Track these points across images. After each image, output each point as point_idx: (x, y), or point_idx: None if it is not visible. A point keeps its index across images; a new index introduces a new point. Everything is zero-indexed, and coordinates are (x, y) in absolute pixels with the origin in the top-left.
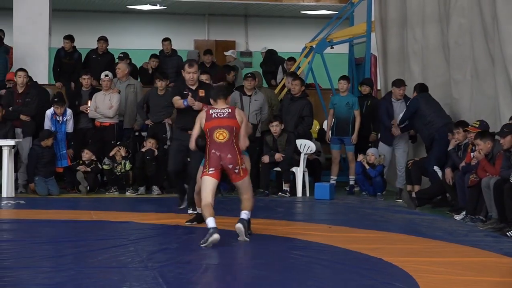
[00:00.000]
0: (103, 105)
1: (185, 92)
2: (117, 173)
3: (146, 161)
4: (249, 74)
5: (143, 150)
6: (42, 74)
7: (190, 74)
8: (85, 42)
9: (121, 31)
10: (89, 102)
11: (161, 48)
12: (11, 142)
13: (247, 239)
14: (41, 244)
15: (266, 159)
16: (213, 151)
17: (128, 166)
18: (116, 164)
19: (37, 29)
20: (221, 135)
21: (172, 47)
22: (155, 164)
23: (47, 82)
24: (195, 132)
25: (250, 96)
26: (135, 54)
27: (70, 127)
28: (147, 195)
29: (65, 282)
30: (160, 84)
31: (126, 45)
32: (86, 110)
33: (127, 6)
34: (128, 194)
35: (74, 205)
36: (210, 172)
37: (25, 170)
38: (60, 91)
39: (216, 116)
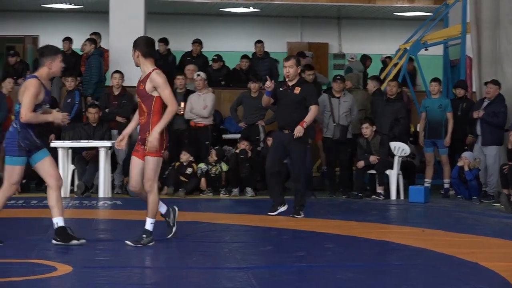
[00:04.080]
0: (198, 106)
1: (281, 89)
2: (212, 175)
3: (239, 163)
4: (338, 76)
5: (237, 151)
6: (136, 77)
7: (285, 69)
8: (180, 45)
9: (214, 34)
10: (182, 103)
11: (254, 51)
12: (108, 143)
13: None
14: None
15: (361, 164)
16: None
17: (225, 167)
18: (210, 166)
19: (132, 32)
20: None
21: (265, 50)
22: (248, 165)
23: None
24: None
25: (339, 98)
26: (228, 56)
27: None
28: (241, 196)
29: (160, 282)
30: (253, 86)
31: (220, 47)
32: (180, 112)
33: (221, 9)
34: (222, 195)
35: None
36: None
37: (121, 171)
38: None
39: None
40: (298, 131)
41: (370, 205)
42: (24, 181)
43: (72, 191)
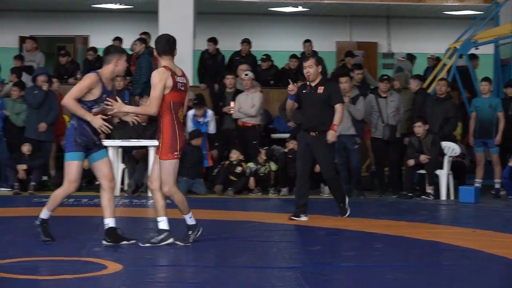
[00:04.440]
0: (246, 105)
1: (304, 91)
2: (261, 174)
3: (288, 162)
4: (385, 76)
5: (286, 150)
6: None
7: (305, 69)
8: (229, 44)
9: (263, 33)
10: (232, 103)
11: (303, 50)
12: (157, 142)
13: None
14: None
15: (411, 162)
16: (184, 134)
17: (274, 167)
18: (259, 166)
19: (181, 32)
20: (181, 114)
21: (314, 49)
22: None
23: (191, 84)
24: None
25: (385, 98)
26: (277, 56)
27: (212, 128)
28: (290, 196)
29: (209, 281)
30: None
31: (268, 47)
32: (229, 111)
33: (270, 9)
34: (270, 195)
35: (219, 205)
36: (176, 156)
37: None
38: (200, 93)
39: (181, 88)
40: (332, 135)
41: (419, 205)
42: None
43: (122, 189)
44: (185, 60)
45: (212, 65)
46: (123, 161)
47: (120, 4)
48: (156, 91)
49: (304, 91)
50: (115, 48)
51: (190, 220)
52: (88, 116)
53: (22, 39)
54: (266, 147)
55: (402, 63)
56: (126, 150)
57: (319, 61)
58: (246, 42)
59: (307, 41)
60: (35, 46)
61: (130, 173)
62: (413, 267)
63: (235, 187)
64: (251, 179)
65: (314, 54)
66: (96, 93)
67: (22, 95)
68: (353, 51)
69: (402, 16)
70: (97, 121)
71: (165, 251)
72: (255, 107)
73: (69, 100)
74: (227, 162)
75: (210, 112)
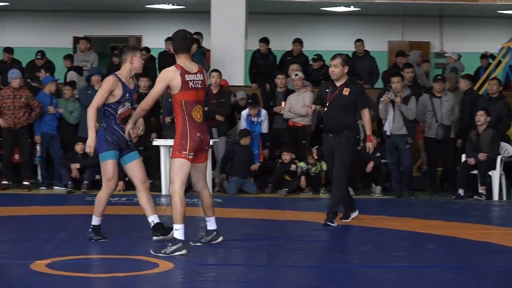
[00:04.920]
0: (297, 105)
1: (327, 90)
2: (312, 174)
3: None
4: (439, 77)
5: None
6: (238, 76)
7: (331, 68)
8: (280, 44)
9: (315, 33)
10: (283, 103)
11: (354, 50)
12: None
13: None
14: (235, 241)
15: (471, 161)
16: (198, 134)
17: (324, 166)
18: (310, 165)
19: (233, 32)
20: (198, 113)
21: (366, 48)
22: None
23: (243, 84)
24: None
25: (440, 97)
26: (329, 55)
27: (265, 128)
28: None
29: (259, 280)
30: None
31: (320, 47)
32: (280, 111)
33: (321, 8)
34: (321, 194)
35: (270, 204)
36: (190, 157)
37: (219, 169)
38: (254, 93)
39: (192, 86)
40: (371, 147)
41: (471, 205)
42: (126, 178)
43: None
44: (236, 60)
45: (263, 65)
46: None
47: (173, 5)
48: (154, 88)
49: (327, 90)
50: (127, 47)
51: (177, 233)
52: (92, 131)
53: (76, 40)
54: (317, 147)
55: (456, 63)
56: None
57: (346, 61)
58: (298, 42)
59: (359, 40)
60: (89, 46)
61: None
62: (464, 268)
63: (289, 187)
64: (302, 179)
65: (366, 54)
66: (117, 94)
67: (74, 94)
68: (413, 51)
69: (455, 15)
70: (89, 141)
71: (216, 250)
72: (306, 107)
73: (90, 110)
74: (280, 161)
75: (263, 112)
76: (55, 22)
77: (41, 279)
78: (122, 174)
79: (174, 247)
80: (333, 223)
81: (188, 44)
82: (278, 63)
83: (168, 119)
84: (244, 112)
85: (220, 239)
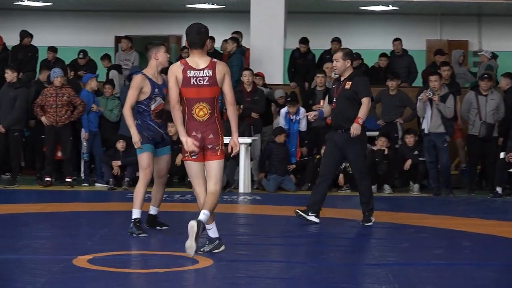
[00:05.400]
0: None
1: (333, 86)
2: (349, 172)
3: (377, 160)
4: (485, 75)
5: (374, 148)
6: (277, 75)
7: (334, 62)
8: (319, 43)
9: (353, 32)
10: (322, 101)
11: (392, 49)
12: (248, 140)
13: (194, 245)
14: (274, 238)
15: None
16: (194, 133)
17: None
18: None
19: (272, 31)
20: (201, 111)
21: (404, 47)
22: (386, 162)
23: (281, 82)
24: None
25: (486, 96)
26: (367, 54)
27: (303, 126)
28: (379, 193)
29: (298, 277)
30: (391, 84)
31: (358, 45)
32: (318, 110)
33: (360, 7)
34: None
35: (306, 202)
36: (193, 157)
37: (257, 166)
38: (294, 91)
39: (194, 82)
40: (354, 128)
41: (509, 204)
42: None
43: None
44: (275, 58)
45: (302, 64)
46: None
47: (213, 4)
48: (169, 85)
49: (333, 86)
50: (152, 44)
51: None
52: (133, 129)
53: (118, 39)
54: None
55: (491, 61)
56: None
57: (348, 55)
58: (336, 41)
59: (397, 39)
60: (130, 45)
61: None
62: (502, 266)
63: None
64: (340, 176)
65: (405, 52)
66: (147, 91)
67: (115, 93)
68: (455, 50)
69: (494, 14)
70: (134, 138)
71: (256, 246)
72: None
73: (125, 110)
74: (317, 156)
75: (302, 110)
76: (97, 22)
77: (82, 274)
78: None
79: (211, 246)
80: (370, 221)
81: (202, 38)
82: (316, 61)
83: None
84: (283, 110)
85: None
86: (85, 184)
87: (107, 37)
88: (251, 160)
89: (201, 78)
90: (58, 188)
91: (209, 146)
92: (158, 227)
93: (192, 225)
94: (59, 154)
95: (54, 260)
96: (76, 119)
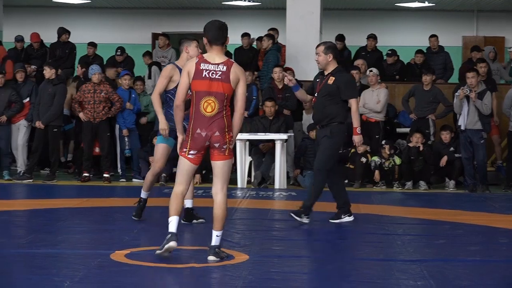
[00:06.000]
0: (371, 101)
1: (317, 80)
2: (385, 168)
3: (413, 156)
4: None
5: (410, 145)
6: (313, 72)
7: (316, 56)
8: (355, 40)
9: (389, 29)
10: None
11: (428, 45)
12: (284, 136)
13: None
14: (309, 234)
15: None
16: (198, 131)
17: (398, 160)
18: (384, 159)
19: (308, 28)
20: (209, 106)
21: (440, 44)
22: (422, 159)
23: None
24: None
25: None
26: (403, 50)
27: None
28: (414, 190)
29: (333, 273)
30: (425, 79)
31: (394, 42)
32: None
33: (396, 4)
34: (395, 188)
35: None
36: (190, 156)
37: (292, 162)
38: None
39: (206, 75)
40: (357, 142)
41: None
42: (203, 171)
43: (248, 182)
44: (311, 55)
45: (338, 61)
46: (250, 154)
47: (249, 1)
48: (180, 81)
49: (317, 80)
50: (185, 38)
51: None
52: (160, 116)
53: (155, 36)
54: (390, 141)
55: None
56: (253, 143)
57: (329, 49)
58: (372, 37)
59: (433, 36)
60: (167, 42)
61: (256, 166)
62: None
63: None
64: (376, 173)
65: (441, 49)
66: (176, 79)
67: (145, 89)
68: (486, 47)
69: None
70: (161, 125)
71: (291, 242)
72: (380, 103)
73: (153, 96)
74: (352, 150)
75: None
76: (134, 19)
77: (120, 268)
78: (199, 168)
79: (164, 241)
80: (300, 217)
81: (223, 34)
82: (352, 58)
83: (244, 113)
84: None
85: (209, 258)
86: (123, 180)
87: (145, 34)
88: (287, 156)
89: (214, 72)
90: (96, 183)
91: (216, 145)
92: (195, 221)
93: (211, 260)
94: (97, 150)
95: (92, 255)
96: (113, 116)
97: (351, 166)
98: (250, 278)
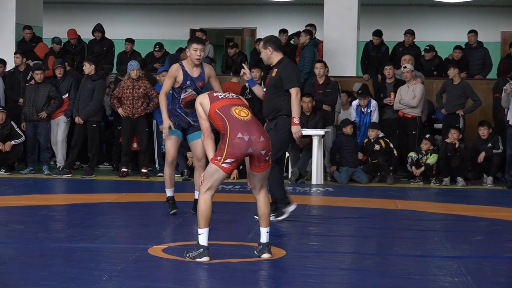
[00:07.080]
0: (407, 96)
1: (268, 75)
2: (422, 164)
3: (449, 152)
4: None
5: (447, 141)
6: (350, 67)
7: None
8: (392, 35)
9: (427, 24)
10: (392, 94)
11: (467, 41)
12: (321, 132)
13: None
14: (346, 229)
15: None
16: (239, 135)
17: (433, 159)
18: (421, 155)
19: (346, 24)
20: (242, 111)
21: (478, 39)
22: (459, 155)
23: (355, 75)
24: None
25: None
26: (441, 46)
27: (374, 118)
28: (452, 186)
29: (370, 268)
30: (449, 72)
31: (432, 37)
32: (390, 103)
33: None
34: (432, 184)
35: (380, 193)
36: (224, 165)
37: (328, 158)
38: (365, 83)
39: (223, 96)
40: (295, 132)
41: None
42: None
43: (286, 177)
44: (348, 51)
45: (375, 56)
46: (287, 150)
47: None
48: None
49: (268, 75)
50: (189, 39)
51: (200, 237)
52: (164, 115)
53: (193, 32)
54: (428, 136)
55: None
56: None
57: (267, 43)
58: (410, 33)
59: (472, 31)
60: (205, 38)
61: (294, 162)
62: None
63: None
64: (414, 168)
65: (479, 44)
66: (179, 80)
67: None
68: None
69: None
70: (164, 124)
71: (328, 238)
72: (416, 98)
73: (160, 95)
74: (366, 140)
75: (373, 102)
76: (172, 15)
77: (157, 263)
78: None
79: (196, 253)
80: (282, 215)
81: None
82: (390, 54)
83: None
84: (354, 103)
85: (265, 255)
86: (160, 175)
87: (182, 30)
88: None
89: (228, 94)
90: (134, 178)
91: (262, 152)
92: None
93: (265, 257)
94: (135, 145)
95: (130, 249)
96: (151, 111)
97: (364, 157)
98: (287, 274)
